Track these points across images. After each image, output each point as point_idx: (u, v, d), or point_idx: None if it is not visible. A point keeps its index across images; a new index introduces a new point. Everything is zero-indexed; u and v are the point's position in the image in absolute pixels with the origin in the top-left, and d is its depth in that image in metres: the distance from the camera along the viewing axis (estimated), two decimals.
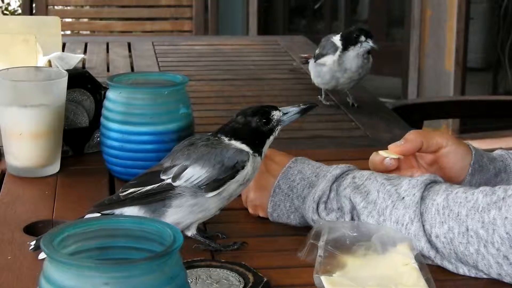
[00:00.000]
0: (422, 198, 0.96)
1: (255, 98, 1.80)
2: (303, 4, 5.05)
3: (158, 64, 2.12)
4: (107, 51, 2.26)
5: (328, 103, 1.74)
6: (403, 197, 0.97)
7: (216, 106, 1.73)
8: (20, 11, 4.30)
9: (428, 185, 0.98)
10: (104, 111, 1.24)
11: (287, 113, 1.03)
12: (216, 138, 1.01)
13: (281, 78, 2.01)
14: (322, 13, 4.98)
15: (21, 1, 3.81)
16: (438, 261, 0.95)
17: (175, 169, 0.98)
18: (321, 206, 1.03)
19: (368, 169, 1.06)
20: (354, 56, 1.66)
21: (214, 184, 0.97)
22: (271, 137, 1.02)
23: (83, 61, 2.09)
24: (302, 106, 1.04)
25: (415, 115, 2.03)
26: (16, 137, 1.24)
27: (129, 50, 2.29)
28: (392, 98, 3.47)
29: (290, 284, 0.93)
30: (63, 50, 2.08)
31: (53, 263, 0.65)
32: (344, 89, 1.73)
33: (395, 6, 4.73)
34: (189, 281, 0.89)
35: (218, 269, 0.93)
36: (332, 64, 1.69)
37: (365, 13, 4.88)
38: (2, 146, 1.30)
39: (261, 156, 1.02)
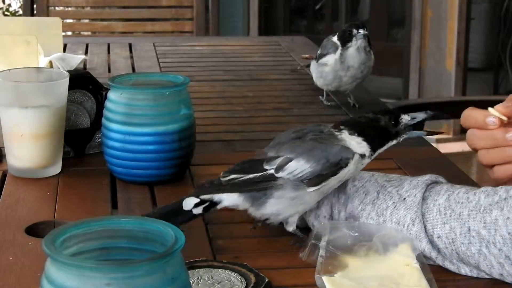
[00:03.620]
0: (424, 199, 0.96)
1: (256, 99, 1.80)
2: (303, 5, 5.05)
3: (159, 65, 2.12)
4: (108, 52, 2.26)
5: (329, 103, 1.74)
6: (404, 198, 0.97)
7: (217, 107, 1.73)
8: (21, 12, 4.30)
9: (429, 186, 0.98)
10: (105, 112, 1.24)
11: (414, 118, 1.01)
12: (335, 130, 1.00)
13: (282, 78, 2.01)
14: (322, 14, 4.98)
15: (22, 2, 3.81)
16: (439, 261, 0.95)
17: (279, 160, 0.98)
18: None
19: (369, 169, 1.06)
20: (354, 51, 1.67)
21: (316, 179, 0.98)
22: (394, 141, 1.01)
23: (84, 62, 2.09)
24: (429, 113, 1.02)
25: None
26: (17, 138, 1.24)
27: (130, 51, 2.29)
28: (393, 99, 3.48)
29: (291, 285, 0.93)
30: (64, 51, 2.08)
31: (55, 264, 0.65)
32: (346, 89, 1.73)
33: (396, 7, 4.73)
34: (191, 281, 0.89)
35: (219, 270, 0.93)
36: (334, 63, 1.69)
37: (366, 13, 4.88)
38: (3, 147, 1.30)
39: (371, 157, 1.01)
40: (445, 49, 4.01)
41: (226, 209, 1.00)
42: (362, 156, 1.00)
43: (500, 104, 1.04)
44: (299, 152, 0.98)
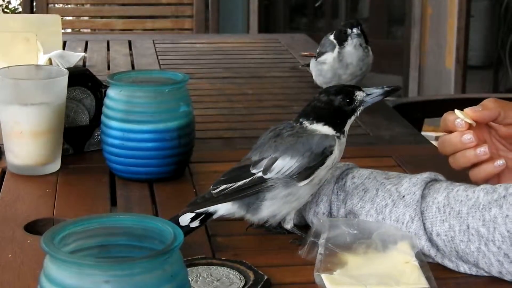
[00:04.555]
0: (423, 196, 0.96)
1: (256, 96, 1.80)
2: (303, 2, 5.05)
3: (158, 62, 2.12)
4: (108, 49, 2.25)
5: None
6: (404, 196, 0.97)
7: (217, 104, 1.73)
8: (20, 9, 4.29)
9: (429, 183, 0.98)
10: (104, 109, 1.24)
11: (370, 94, 1.02)
12: (299, 123, 1.01)
13: (282, 76, 2.01)
14: (322, 11, 4.98)
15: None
16: (438, 259, 0.95)
17: (264, 162, 0.98)
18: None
19: (368, 167, 1.06)
20: (352, 49, 1.67)
21: (305, 172, 0.98)
22: (353, 117, 1.02)
23: (84, 59, 2.09)
24: (385, 88, 1.03)
25: (416, 113, 2.03)
26: (16, 135, 1.24)
27: (130, 48, 2.29)
28: (393, 96, 3.47)
29: (290, 282, 0.93)
30: (63, 48, 2.08)
31: (54, 261, 0.65)
32: None
33: (396, 4, 4.73)
34: (190, 279, 0.89)
35: (218, 267, 0.93)
36: (332, 61, 1.69)
37: (365, 11, 4.88)
38: (2, 144, 1.30)
39: (344, 135, 1.01)
40: (445, 47, 4.01)
41: (223, 219, 1.01)
42: (338, 137, 1.00)
43: (471, 107, 1.04)
44: (283, 149, 0.99)
